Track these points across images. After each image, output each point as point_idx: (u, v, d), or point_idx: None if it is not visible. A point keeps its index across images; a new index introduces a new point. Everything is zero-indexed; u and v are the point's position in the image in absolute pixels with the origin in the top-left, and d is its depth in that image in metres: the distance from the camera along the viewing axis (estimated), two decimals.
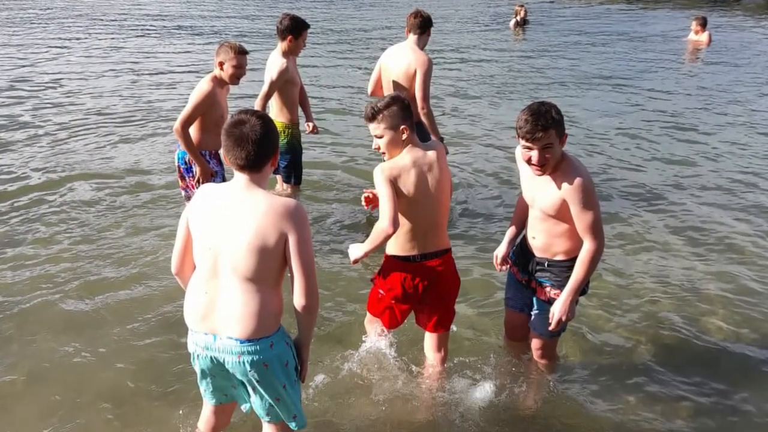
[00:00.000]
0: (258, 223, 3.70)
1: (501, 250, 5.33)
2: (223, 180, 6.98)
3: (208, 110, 6.87)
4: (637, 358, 6.12)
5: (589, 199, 4.56)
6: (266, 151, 3.79)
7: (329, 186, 9.77)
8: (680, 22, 28.12)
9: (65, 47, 20.09)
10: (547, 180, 4.65)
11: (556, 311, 4.85)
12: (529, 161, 4.56)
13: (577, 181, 4.52)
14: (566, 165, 4.61)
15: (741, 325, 6.65)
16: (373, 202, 5.15)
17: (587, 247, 4.67)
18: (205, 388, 4.26)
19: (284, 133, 8.09)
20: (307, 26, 8.11)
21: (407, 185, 4.71)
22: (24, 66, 17.22)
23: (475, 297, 6.89)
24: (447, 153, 5.43)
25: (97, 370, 5.63)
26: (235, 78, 6.90)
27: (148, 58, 18.88)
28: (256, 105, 7.83)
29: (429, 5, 27.04)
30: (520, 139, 4.50)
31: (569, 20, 30.01)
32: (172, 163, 7.66)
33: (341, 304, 6.70)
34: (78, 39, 21.64)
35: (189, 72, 16.95)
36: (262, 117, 3.82)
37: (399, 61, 7.96)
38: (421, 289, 4.99)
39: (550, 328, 4.96)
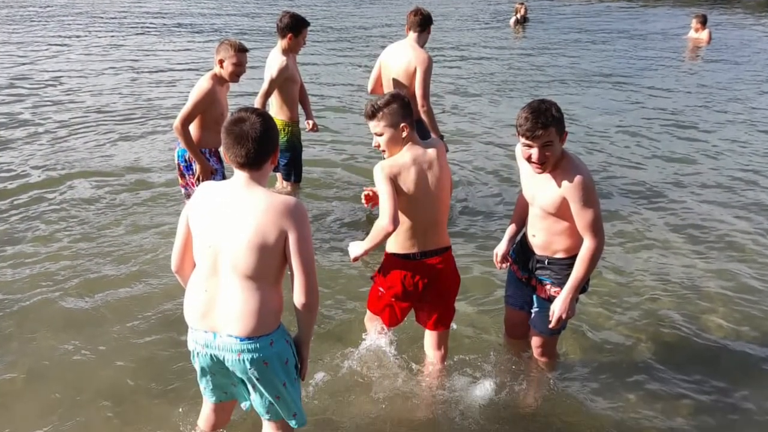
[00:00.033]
0: (258, 221, 3.69)
1: (501, 248, 5.33)
2: (223, 178, 6.97)
3: (208, 108, 6.86)
4: (638, 356, 6.12)
5: (589, 196, 4.56)
6: (266, 148, 3.78)
7: (329, 184, 9.76)
8: (680, 20, 28.13)
9: (65, 45, 20.07)
10: (547, 178, 4.65)
11: (557, 309, 4.85)
12: (529, 159, 4.55)
13: (578, 178, 4.52)
14: (566, 163, 4.60)
15: (741, 322, 6.65)
16: (373, 199, 5.15)
17: (587, 244, 4.67)
18: (204, 386, 4.26)
19: (284, 131, 8.08)
20: (307, 24, 8.10)
21: (407, 183, 4.71)
22: (24, 64, 17.20)
23: (475, 295, 6.89)
24: (447, 151, 5.42)
25: (96, 368, 5.63)
26: (235, 76, 6.90)
27: (148, 55, 18.87)
28: (256, 103, 7.82)
29: (429, 3, 27.02)
30: (520, 137, 4.50)
31: (569, 18, 30.01)
32: (172, 160, 7.66)
33: (341, 301, 6.70)
34: (78, 37, 21.62)
35: (189, 70, 16.94)
36: (262, 115, 3.81)
37: (399, 58, 7.95)
38: (421, 286, 4.98)
39: (551, 326, 4.96)
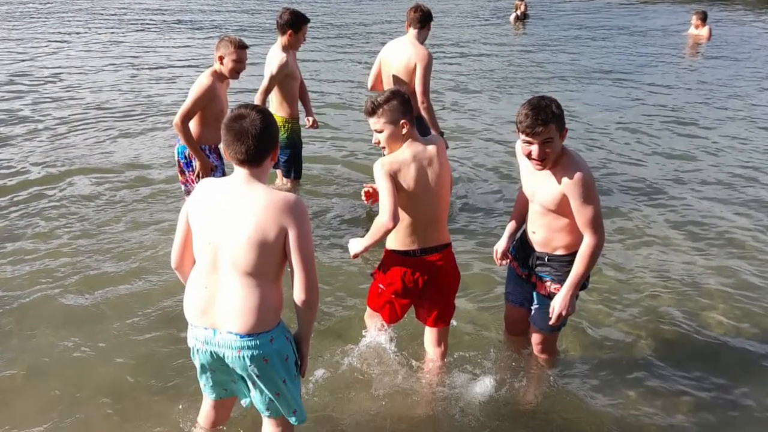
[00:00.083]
0: (258, 218, 3.69)
1: (501, 245, 5.32)
2: (223, 174, 6.98)
3: (208, 105, 6.86)
4: (638, 353, 6.11)
5: (590, 193, 4.55)
6: (266, 145, 3.78)
7: (329, 181, 9.76)
8: (680, 17, 28.10)
9: (65, 41, 20.06)
10: (547, 174, 4.65)
11: (557, 306, 4.85)
12: (529, 156, 4.55)
13: (578, 175, 4.51)
14: (566, 159, 4.60)
15: (741, 319, 6.65)
16: (373, 196, 5.15)
17: (587, 241, 4.67)
18: (204, 382, 4.26)
19: (284, 127, 8.08)
20: (307, 20, 8.09)
21: (407, 180, 4.71)
22: (24, 60, 17.19)
23: (475, 292, 6.88)
24: (447, 147, 5.42)
25: (96, 365, 5.63)
26: (235, 72, 6.89)
27: (148, 52, 18.85)
28: (256, 99, 7.82)
29: (429, 0, 27.00)
30: (521, 134, 4.50)
31: (569, 14, 29.96)
32: (172, 157, 7.66)
33: (341, 298, 6.70)
34: (78, 33, 21.60)
35: (189, 66, 16.92)
36: (262, 111, 3.81)
37: (399, 55, 7.95)
38: (421, 283, 4.98)
39: (551, 323, 4.96)
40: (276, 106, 8.13)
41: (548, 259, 4.96)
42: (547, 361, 5.61)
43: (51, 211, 8.34)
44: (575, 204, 4.58)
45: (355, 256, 4.97)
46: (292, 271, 3.79)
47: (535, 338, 5.40)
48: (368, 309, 5.48)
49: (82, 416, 5.05)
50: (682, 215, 8.98)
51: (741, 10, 32.33)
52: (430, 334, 5.41)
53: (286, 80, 8.01)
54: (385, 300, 5.16)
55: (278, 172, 8.63)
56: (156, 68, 16.81)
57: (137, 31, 22.46)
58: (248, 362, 3.85)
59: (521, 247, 5.21)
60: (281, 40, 7.99)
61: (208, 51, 17.32)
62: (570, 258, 4.82)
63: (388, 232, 4.68)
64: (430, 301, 5.18)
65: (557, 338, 5.55)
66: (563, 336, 5.84)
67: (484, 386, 5.36)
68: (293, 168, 8.54)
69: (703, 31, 23.00)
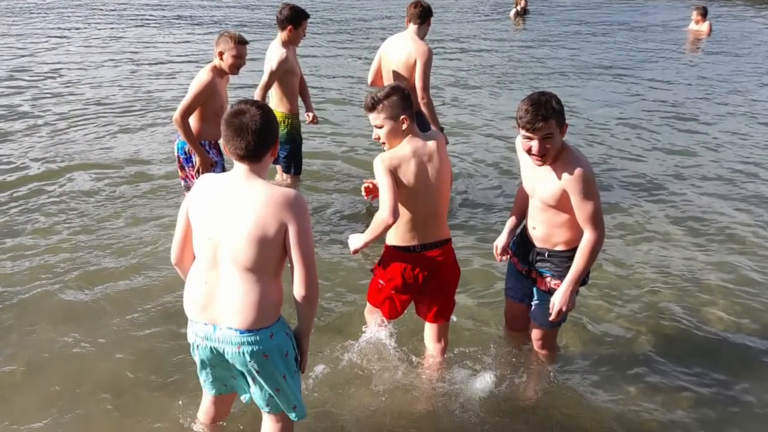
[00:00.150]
0: (258, 214, 3.68)
1: (501, 241, 5.32)
2: (223, 170, 6.96)
3: (207, 100, 6.85)
4: (638, 349, 6.11)
5: (590, 189, 4.55)
6: (266, 141, 3.77)
7: (329, 176, 9.76)
8: (681, 12, 28.10)
9: (64, 37, 20.05)
10: (547, 170, 4.64)
11: (557, 301, 4.84)
12: (529, 151, 4.54)
13: (578, 171, 4.51)
14: (566, 155, 4.59)
15: (741, 315, 6.65)
16: (373, 192, 5.14)
17: (587, 237, 4.66)
18: (204, 378, 4.25)
19: (284, 123, 8.07)
20: (307, 16, 8.08)
21: (407, 175, 4.70)
22: (23, 56, 17.18)
23: (476, 287, 6.88)
24: (447, 143, 5.42)
25: (96, 361, 5.62)
26: (235, 68, 6.88)
27: (148, 48, 18.84)
28: (256, 95, 7.81)
29: None
30: (521, 129, 4.49)
31: (569, 10, 29.96)
32: (172, 153, 7.65)
33: (341, 294, 6.69)
34: (77, 29, 21.60)
35: (189, 62, 16.92)
36: (262, 107, 3.80)
37: (399, 51, 7.94)
38: (421, 279, 4.98)
39: (551, 319, 4.95)
40: (276, 102, 8.12)
41: (548, 255, 4.95)
42: (547, 357, 5.61)
43: (51, 207, 8.33)
44: (575, 200, 4.57)
45: (355, 251, 4.97)
46: (292, 267, 3.78)
47: (536, 334, 5.40)
48: (368, 305, 5.48)
49: (82, 412, 5.05)
50: (682, 211, 8.98)
51: (741, 5, 32.32)
52: (430, 329, 5.41)
53: (286, 76, 8.00)
54: (385, 296, 5.15)
55: (278, 167, 8.62)
56: (156, 64, 16.80)
57: (137, 26, 22.45)
58: (248, 358, 3.84)
59: (521, 243, 5.20)
60: (281, 35, 7.98)
61: (207, 47, 17.30)
62: (570, 254, 4.82)
63: (388, 227, 4.67)
64: (430, 297, 5.18)
65: (557, 334, 5.55)
66: (563, 332, 5.84)
67: (484, 382, 5.36)
68: (293, 164, 8.54)
69: (704, 27, 23.01)
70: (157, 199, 8.66)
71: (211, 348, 3.92)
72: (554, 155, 4.56)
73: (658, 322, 6.48)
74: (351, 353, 5.60)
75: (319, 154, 10.47)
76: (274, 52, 7.92)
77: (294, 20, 7.91)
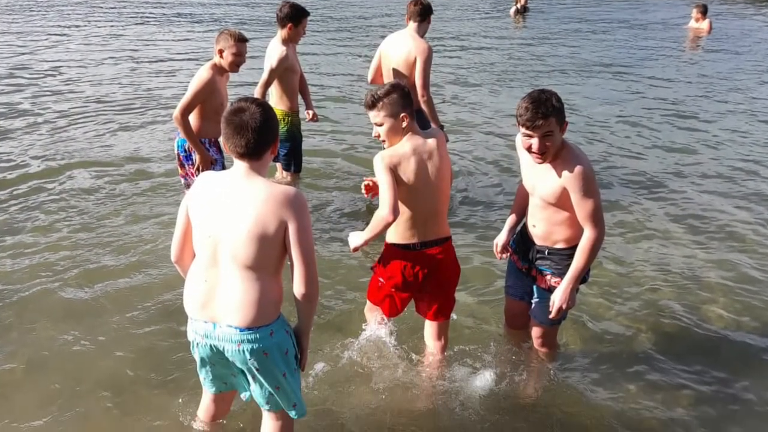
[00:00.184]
0: (258, 211, 3.68)
1: (501, 238, 5.32)
2: (223, 168, 6.96)
3: (207, 98, 6.84)
4: (638, 347, 6.11)
5: (590, 187, 4.54)
6: (266, 138, 3.77)
7: (329, 174, 9.75)
8: (681, 10, 28.09)
9: (64, 35, 20.05)
10: (547, 168, 4.64)
11: (557, 299, 4.84)
12: (529, 149, 4.54)
13: (578, 169, 4.51)
14: (567, 153, 4.59)
15: (742, 313, 6.65)
16: (373, 190, 5.14)
17: (588, 235, 4.66)
18: (204, 376, 4.25)
19: (284, 120, 8.07)
20: (307, 14, 8.08)
21: (407, 173, 4.69)
22: (23, 53, 17.18)
23: (476, 285, 6.88)
24: (447, 141, 5.40)
25: (96, 359, 5.62)
26: (235, 66, 6.88)
27: (148, 45, 18.84)
28: (256, 93, 7.81)
29: None
30: (521, 127, 4.49)
31: (569, 7, 29.95)
32: (172, 150, 7.65)
33: (341, 292, 6.69)
34: (77, 26, 21.59)
35: (188, 60, 16.91)
36: (262, 105, 3.80)
37: (399, 48, 7.93)
38: (421, 277, 4.97)
39: (551, 317, 4.95)
40: (276, 100, 8.11)
41: (548, 253, 4.95)
42: (547, 355, 5.61)
43: (51, 205, 8.33)
44: (575, 197, 4.57)
45: (355, 249, 4.97)
46: (292, 265, 3.78)
47: (536, 332, 5.40)
48: (368, 302, 5.47)
49: (82, 410, 5.04)
50: (682, 209, 8.98)
51: (741, 3, 32.32)
52: (430, 327, 5.41)
53: (285, 74, 8.00)
54: (385, 293, 5.15)
55: (278, 165, 8.62)
56: (156, 61, 16.80)
57: (137, 24, 22.45)
58: (248, 356, 3.84)
59: (521, 241, 5.20)
60: (281, 33, 7.97)
61: (207, 44, 17.31)
62: (570, 251, 4.82)
63: (388, 225, 4.67)
64: (430, 295, 5.18)
65: (557, 332, 5.55)
66: (563, 329, 5.84)
67: (484, 380, 5.35)
68: (293, 161, 8.54)
69: (704, 25, 23.00)
70: (157, 197, 8.65)
71: (211, 346, 3.92)
72: (554, 153, 4.56)
73: (658, 320, 6.48)
74: (351, 351, 5.60)
75: (319, 152, 10.47)
76: (274, 50, 7.92)
77: (294, 18, 7.90)
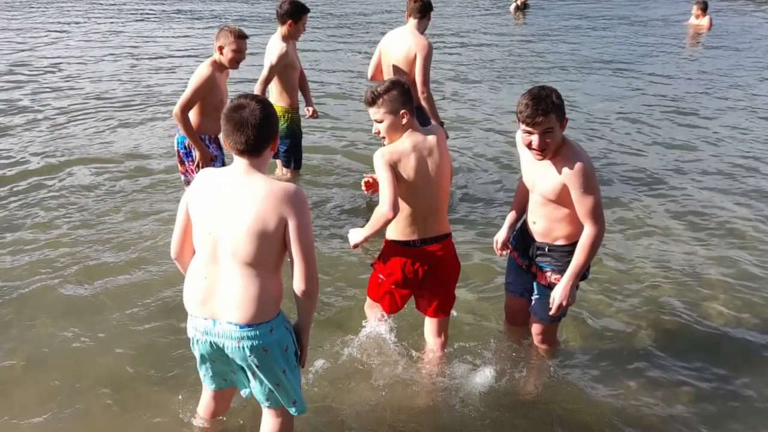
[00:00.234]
0: (258, 208, 3.68)
1: (501, 235, 5.32)
2: (223, 164, 6.96)
3: (207, 95, 6.84)
4: (638, 343, 6.11)
5: (590, 183, 4.54)
6: (266, 135, 3.77)
7: (329, 171, 9.75)
8: (681, 6, 28.03)
9: (64, 31, 20.03)
10: (547, 165, 4.63)
11: (557, 296, 4.84)
12: (529, 146, 4.53)
13: (578, 165, 4.50)
14: (567, 149, 4.59)
15: (742, 310, 6.64)
16: (373, 186, 5.14)
17: (588, 231, 4.66)
18: (204, 373, 4.25)
19: (284, 117, 8.06)
20: (307, 10, 8.07)
21: (407, 170, 4.69)
22: (23, 50, 17.16)
23: (476, 282, 6.88)
24: (447, 137, 5.41)
25: (96, 356, 5.62)
26: (235, 62, 6.87)
27: (148, 42, 18.82)
28: (256, 89, 7.80)
29: None
30: (521, 124, 4.48)
31: (570, 4, 29.89)
32: (172, 147, 7.65)
33: (341, 289, 6.69)
34: (77, 23, 21.57)
35: (188, 56, 16.89)
36: (262, 101, 3.79)
37: (399, 45, 7.93)
38: (421, 274, 4.97)
39: (551, 313, 4.95)
40: (276, 96, 8.11)
41: (548, 250, 4.95)
42: (547, 352, 5.61)
43: (50, 201, 8.33)
44: (575, 194, 4.57)
45: (355, 246, 4.97)
46: (292, 262, 3.77)
47: (536, 329, 5.40)
48: (368, 299, 5.48)
49: (82, 407, 5.05)
50: (682, 205, 8.97)
51: (741, 0, 32.26)
52: (430, 324, 5.41)
53: (285, 70, 7.99)
54: (385, 290, 5.15)
55: (278, 162, 8.62)
56: (155, 58, 16.78)
57: (137, 20, 22.42)
58: (248, 352, 3.84)
59: (521, 238, 5.20)
60: (281, 30, 7.97)
61: (207, 41, 17.30)
62: (570, 248, 4.81)
63: (388, 222, 4.67)
64: (430, 292, 5.18)
65: (557, 329, 5.55)
66: (563, 326, 5.84)
67: (484, 377, 5.35)
68: (293, 158, 8.53)
69: (704, 21, 22.97)
70: (157, 194, 8.65)
71: (210, 343, 3.92)
72: (554, 150, 4.55)
73: (659, 317, 6.48)
74: (351, 348, 5.60)
75: (319, 149, 10.46)
76: (274, 47, 7.91)
77: (294, 15, 7.89)
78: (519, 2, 26.38)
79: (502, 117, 12.55)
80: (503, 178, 9.64)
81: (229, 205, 3.74)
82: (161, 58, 16.83)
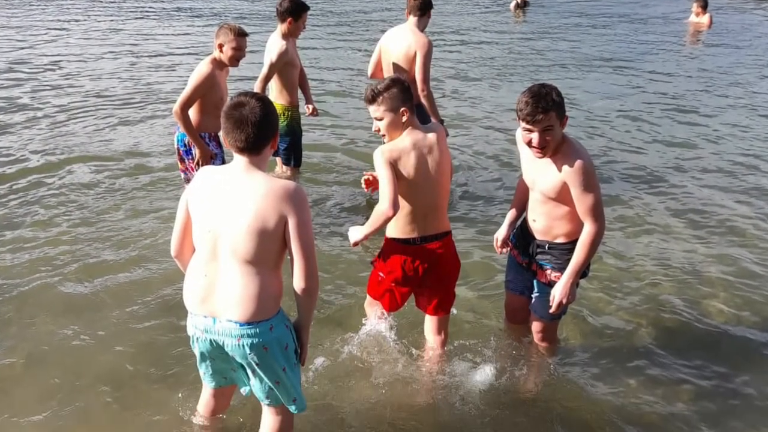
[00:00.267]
0: (258, 206, 3.68)
1: (501, 233, 5.32)
2: (223, 162, 6.96)
3: (207, 92, 6.84)
4: (638, 341, 6.11)
5: (590, 181, 4.54)
6: (266, 133, 3.77)
7: (329, 168, 9.74)
8: (681, 4, 27.99)
9: (64, 29, 20.01)
10: (547, 162, 4.63)
11: (557, 294, 4.84)
12: (529, 144, 4.53)
13: (578, 163, 4.50)
14: (567, 147, 4.59)
15: (742, 308, 6.64)
16: (373, 184, 5.13)
17: (588, 229, 4.66)
18: (204, 371, 4.25)
19: (284, 115, 8.06)
20: (307, 8, 8.07)
21: (407, 168, 4.69)
22: (23, 48, 17.15)
23: (476, 280, 6.88)
24: (447, 135, 5.41)
25: (96, 353, 5.62)
26: (235, 60, 6.87)
27: (147, 40, 18.81)
28: (256, 87, 7.80)
29: None
30: (521, 122, 4.48)
31: (570, 2, 29.86)
32: (172, 145, 7.65)
33: (341, 286, 6.69)
34: (77, 21, 21.55)
35: (188, 54, 16.88)
36: (262, 99, 3.79)
37: (399, 43, 7.92)
38: (421, 271, 4.97)
39: (551, 311, 4.95)
40: (276, 94, 8.11)
41: (549, 247, 4.95)
42: (547, 350, 5.61)
43: (50, 199, 8.33)
44: (576, 192, 4.56)
45: (355, 244, 4.97)
46: (292, 259, 3.77)
47: (536, 326, 5.40)
48: (368, 297, 5.47)
49: (82, 404, 5.04)
50: (682, 203, 8.97)
51: None
52: (430, 322, 5.41)
53: (285, 68, 7.99)
54: (385, 288, 5.15)
55: (278, 159, 8.62)
56: (155, 56, 16.77)
57: (136, 18, 22.41)
58: (248, 350, 3.84)
59: (522, 235, 5.20)
60: (281, 27, 7.96)
61: (207, 38, 17.29)
62: (570, 246, 4.81)
63: (388, 220, 4.66)
64: (430, 290, 5.18)
65: (558, 326, 5.55)
66: (564, 324, 5.83)
67: (484, 374, 5.35)
68: (293, 156, 8.53)
69: (704, 19, 22.96)
70: (157, 192, 8.65)
71: (210, 340, 3.92)
72: (554, 147, 4.55)
73: (659, 315, 6.48)
74: (351, 346, 5.59)
75: (319, 147, 10.46)
76: (273, 44, 7.91)
77: (294, 12, 7.89)
78: (519, 0, 26.35)
79: (502, 115, 12.55)
80: (503, 176, 9.63)
81: (229, 202, 3.74)
82: (161, 55, 16.83)
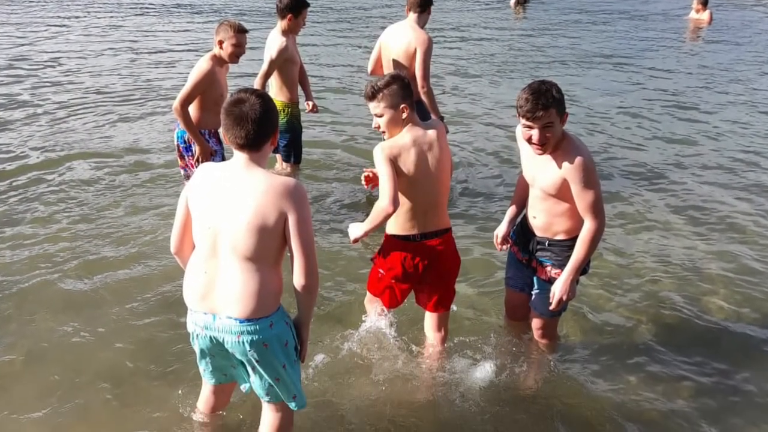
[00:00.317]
0: (258, 203, 3.67)
1: (501, 230, 5.31)
2: (223, 159, 6.94)
3: (207, 89, 6.83)
4: (638, 338, 6.11)
5: (590, 178, 4.54)
6: (266, 130, 3.76)
7: (329, 165, 9.74)
8: (681, 1, 27.98)
9: (64, 26, 19.99)
10: (547, 159, 4.63)
11: (557, 291, 4.84)
12: (529, 140, 4.53)
13: (578, 160, 4.50)
14: (567, 144, 4.58)
15: (742, 304, 6.64)
16: (373, 181, 5.13)
17: (588, 226, 4.66)
18: (204, 367, 4.25)
19: (284, 112, 8.05)
20: (307, 5, 8.05)
21: (407, 164, 4.68)
22: (23, 45, 17.12)
23: (476, 276, 6.87)
24: (447, 132, 5.40)
25: (96, 350, 5.62)
26: (235, 57, 6.86)
27: (147, 36, 18.79)
28: (256, 84, 7.78)
29: None
30: (521, 118, 4.48)
31: None
32: (172, 142, 7.64)
33: (341, 283, 6.68)
34: (77, 17, 21.53)
35: (188, 51, 16.87)
36: (262, 96, 3.79)
37: (399, 39, 7.91)
38: (422, 268, 4.97)
39: (551, 308, 4.95)
40: (276, 91, 8.10)
41: (549, 244, 4.94)
42: (547, 346, 5.61)
43: (50, 196, 8.32)
44: (576, 189, 4.56)
45: (355, 240, 4.96)
46: (291, 256, 3.77)
47: (536, 323, 5.39)
48: (368, 294, 5.47)
49: (81, 401, 5.04)
50: (682, 200, 8.97)
51: None
52: (430, 319, 5.40)
53: (285, 65, 7.98)
54: (385, 285, 5.14)
55: (278, 156, 8.61)
56: (155, 52, 16.75)
57: (136, 15, 22.39)
58: (248, 347, 3.84)
59: (522, 232, 5.19)
60: (281, 24, 7.95)
61: (207, 35, 17.27)
62: (570, 243, 4.81)
63: (388, 216, 4.66)
64: (430, 286, 5.17)
65: (558, 323, 5.54)
66: (564, 321, 5.83)
67: (484, 371, 5.35)
68: (293, 153, 8.52)
69: (704, 16, 22.97)
70: (157, 188, 8.64)
71: (210, 337, 3.92)
72: (554, 144, 4.55)
73: (659, 312, 6.48)
74: (351, 342, 5.59)
75: (319, 143, 10.46)
76: (273, 41, 7.90)
77: (294, 9, 7.88)
78: None
79: (502, 111, 12.55)
80: (503, 173, 9.63)
81: (229, 199, 3.73)
82: (161, 52, 16.81)
